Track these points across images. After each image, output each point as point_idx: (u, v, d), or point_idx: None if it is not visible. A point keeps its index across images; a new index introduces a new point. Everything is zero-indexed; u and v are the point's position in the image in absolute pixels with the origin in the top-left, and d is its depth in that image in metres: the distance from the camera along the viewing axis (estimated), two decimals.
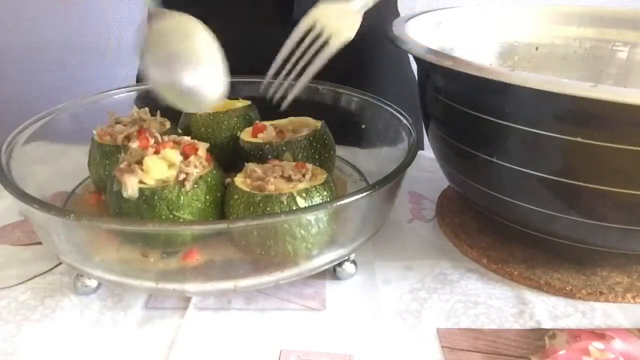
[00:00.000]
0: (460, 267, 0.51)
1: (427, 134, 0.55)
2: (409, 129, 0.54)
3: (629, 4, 1.26)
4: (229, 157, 0.56)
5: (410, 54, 0.48)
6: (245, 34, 0.55)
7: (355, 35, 0.48)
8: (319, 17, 0.47)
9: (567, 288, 0.47)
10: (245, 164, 0.50)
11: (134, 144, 0.49)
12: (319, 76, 0.64)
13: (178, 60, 0.43)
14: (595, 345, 0.42)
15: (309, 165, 0.49)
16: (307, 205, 0.44)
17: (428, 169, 0.67)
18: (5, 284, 0.48)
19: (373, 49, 0.76)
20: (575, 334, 0.43)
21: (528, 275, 0.49)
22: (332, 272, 0.49)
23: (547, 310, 0.46)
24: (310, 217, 0.43)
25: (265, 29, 0.69)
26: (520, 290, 0.48)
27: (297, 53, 0.47)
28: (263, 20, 0.72)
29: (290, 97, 0.49)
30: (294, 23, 0.49)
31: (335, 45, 0.46)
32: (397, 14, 0.81)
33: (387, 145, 0.59)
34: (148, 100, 0.65)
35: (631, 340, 0.42)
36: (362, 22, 0.52)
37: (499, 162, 0.44)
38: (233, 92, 0.65)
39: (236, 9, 0.73)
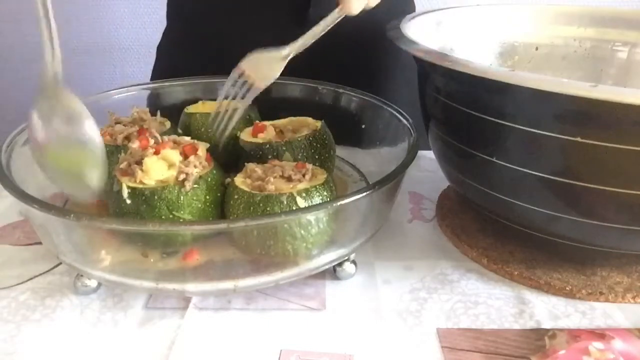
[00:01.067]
0: (460, 267, 0.51)
1: (427, 133, 0.55)
2: (409, 129, 0.54)
3: (629, 4, 1.26)
4: (229, 157, 0.56)
5: (411, 54, 0.48)
6: (258, 36, 0.56)
7: (370, 37, 0.49)
8: (246, 66, 0.54)
9: (567, 288, 0.47)
10: (245, 164, 0.50)
11: (134, 144, 0.49)
12: (336, 77, 0.64)
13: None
14: (595, 345, 0.42)
15: (309, 165, 0.49)
16: (307, 205, 0.44)
17: (428, 169, 0.67)
18: (5, 284, 0.48)
19: (387, 50, 0.76)
20: (575, 334, 0.43)
21: (528, 275, 0.49)
22: (332, 272, 0.49)
23: (547, 310, 0.46)
24: (310, 217, 0.43)
25: (278, 31, 0.69)
26: (520, 290, 0.48)
27: (232, 93, 0.55)
28: (276, 22, 0.72)
29: (227, 132, 0.56)
30: (310, 24, 0.50)
31: (260, 87, 0.54)
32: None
33: (387, 145, 0.59)
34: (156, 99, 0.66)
35: (631, 340, 0.42)
36: (378, 25, 0.53)
37: (499, 162, 0.44)
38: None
39: (249, 9, 0.73)
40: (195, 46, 0.77)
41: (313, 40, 0.52)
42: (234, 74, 0.54)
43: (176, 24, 0.83)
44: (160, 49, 0.87)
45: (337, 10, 0.51)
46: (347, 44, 0.75)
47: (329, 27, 0.51)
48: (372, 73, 0.79)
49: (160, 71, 0.84)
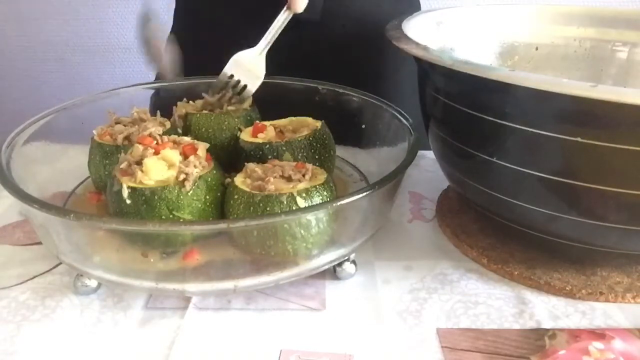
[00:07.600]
0: (460, 267, 0.51)
1: (427, 134, 0.55)
2: (409, 129, 0.54)
3: (629, 4, 1.26)
4: (229, 157, 0.56)
5: (410, 54, 0.48)
6: (247, 30, 0.56)
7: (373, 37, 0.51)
8: (233, 70, 0.59)
9: (567, 288, 0.47)
10: (245, 164, 0.50)
11: (137, 145, 0.49)
12: (348, 79, 0.65)
13: None
14: (595, 345, 0.42)
15: (309, 165, 0.49)
16: (307, 205, 0.44)
17: (428, 169, 0.67)
18: (5, 284, 0.48)
19: (388, 50, 0.76)
20: (575, 334, 0.43)
21: (528, 275, 0.49)
22: (332, 272, 0.49)
23: (547, 310, 0.46)
24: (310, 217, 0.43)
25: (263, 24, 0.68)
26: (520, 290, 0.48)
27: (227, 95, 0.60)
28: (262, 14, 0.71)
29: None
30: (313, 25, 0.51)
31: (253, 89, 0.60)
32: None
33: (387, 145, 0.59)
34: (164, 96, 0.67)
35: (631, 340, 0.42)
36: (381, 25, 0.53)
37: (499, 162, 0.44)
38: None
39: (249, 7, 0.72)
40: (194, 39, 0.76)
41: (276, 36, 0.59)
42: (222, 78, 0.59)
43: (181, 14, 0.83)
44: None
45: (284, 10, 0.58)
46: (349, 44, 0.74)
47: (284, 25, 0.58)
48: (373, 73, 0.79)
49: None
